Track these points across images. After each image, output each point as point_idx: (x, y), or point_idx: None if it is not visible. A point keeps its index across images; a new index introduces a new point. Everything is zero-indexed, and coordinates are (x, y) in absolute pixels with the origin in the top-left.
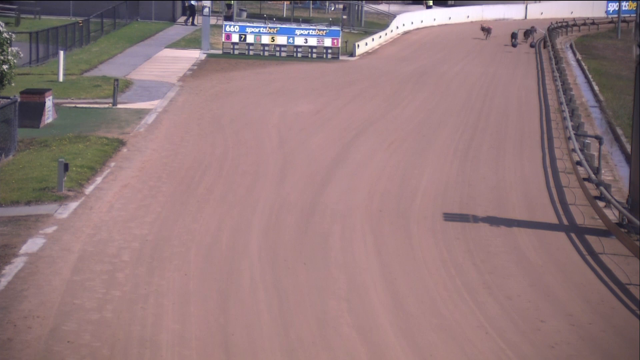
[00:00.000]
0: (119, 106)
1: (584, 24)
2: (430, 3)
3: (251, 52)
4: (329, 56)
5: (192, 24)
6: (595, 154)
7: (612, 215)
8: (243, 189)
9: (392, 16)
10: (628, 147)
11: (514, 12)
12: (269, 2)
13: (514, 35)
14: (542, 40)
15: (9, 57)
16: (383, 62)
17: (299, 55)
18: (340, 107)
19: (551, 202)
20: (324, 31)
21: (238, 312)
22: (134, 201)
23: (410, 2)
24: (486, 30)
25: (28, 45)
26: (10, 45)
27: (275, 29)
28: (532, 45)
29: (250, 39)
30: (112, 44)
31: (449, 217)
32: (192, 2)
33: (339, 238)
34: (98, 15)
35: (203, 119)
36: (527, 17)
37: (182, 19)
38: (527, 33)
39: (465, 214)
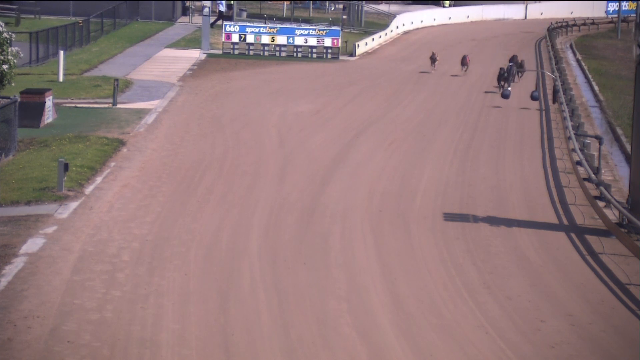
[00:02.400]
0: (119, 106)
1: (584, 24)
2: (447, 4)
3: (251, 52)
4: (329, 56)
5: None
6: (595, 154)
7: (612, 215)
8: (243, 189)
9: (392, 16)
10: (628, 147)
11: (513, 12)
12: (269, 2)
13: (502, 77)
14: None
15: (9, 57)
16: (383, 62)
17: (299, 55)
18: (340, 107)
19: (551, 202)
20: (324, 31)
21: (238, 312)
22: (134, 201)
23: (410, 2)
24: (434, 60)
25: (28, 45)
26: (10, 45)
27: (275, 29)
28: (534, 97)
29: (250, 39)
30: (112, 44)
31: (449, 217)
32: (222, 9)
33: (339, 238)
34: (98, 15)
35: (203, 119)
36: (527, 17)
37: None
38: (510, 71)
39: (465, 214)
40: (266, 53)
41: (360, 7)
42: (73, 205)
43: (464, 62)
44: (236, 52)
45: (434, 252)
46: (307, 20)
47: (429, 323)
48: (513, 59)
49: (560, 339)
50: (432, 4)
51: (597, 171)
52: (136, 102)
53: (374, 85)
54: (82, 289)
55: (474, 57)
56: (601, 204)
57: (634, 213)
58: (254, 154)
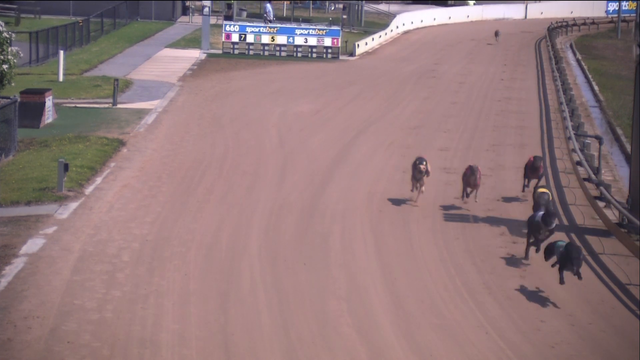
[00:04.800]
0: (119, 106)
1: (584, 24)
2: (471, 3)
3: (251, 52)
4: (329, 56)
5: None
6: (595, 154)
7: (612, 215)
8: (243, 189)
9: (392, 16)
10: (628, 147)
11: (513, 12)
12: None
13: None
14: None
15: (9, 57)
16: (383, 62)
17: (299, 55)
18: (340, 107)
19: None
20: (324, 31)
21: (238, 312)
22: (134, 201)
23: (410, 2)
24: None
25: (28, 45)
26: (10, 45)
27: (275, 29)
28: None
29: (250, 38)
30: (112, 44)
31: (449, 217)
32: (270, 19)
33: (339, 238)
34: (98, 15)
35: (203, 119)
36: (527, 17)
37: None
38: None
39: (465, 214)
40: (266, 53)
41: (360, 6)
42: (73, 205)
43: (471, 181)
44: (236, 52)
45: (434, 252)
46: (307, 20)
47: (429, 323)
48: (535, 164)
49: (560, 339)
50: (432, 3)
51: (597, 171)
52: (136, 102)
53: (374, 85)
54: (82, 289)
55: (474, 57)
56: (601, 204)
57: (634, 213)
58: (254, 154)
